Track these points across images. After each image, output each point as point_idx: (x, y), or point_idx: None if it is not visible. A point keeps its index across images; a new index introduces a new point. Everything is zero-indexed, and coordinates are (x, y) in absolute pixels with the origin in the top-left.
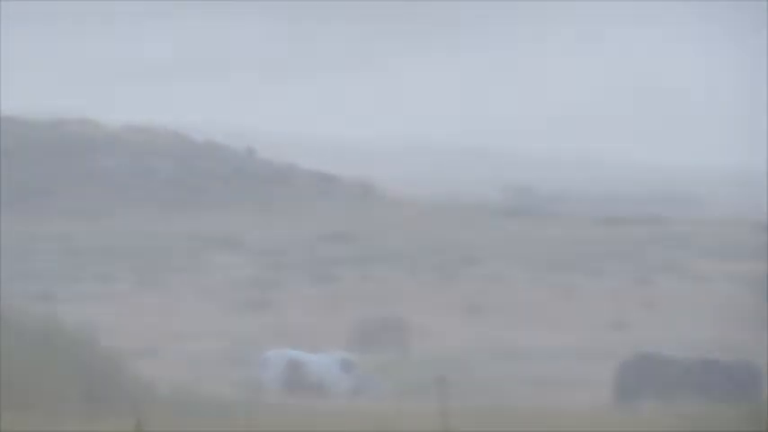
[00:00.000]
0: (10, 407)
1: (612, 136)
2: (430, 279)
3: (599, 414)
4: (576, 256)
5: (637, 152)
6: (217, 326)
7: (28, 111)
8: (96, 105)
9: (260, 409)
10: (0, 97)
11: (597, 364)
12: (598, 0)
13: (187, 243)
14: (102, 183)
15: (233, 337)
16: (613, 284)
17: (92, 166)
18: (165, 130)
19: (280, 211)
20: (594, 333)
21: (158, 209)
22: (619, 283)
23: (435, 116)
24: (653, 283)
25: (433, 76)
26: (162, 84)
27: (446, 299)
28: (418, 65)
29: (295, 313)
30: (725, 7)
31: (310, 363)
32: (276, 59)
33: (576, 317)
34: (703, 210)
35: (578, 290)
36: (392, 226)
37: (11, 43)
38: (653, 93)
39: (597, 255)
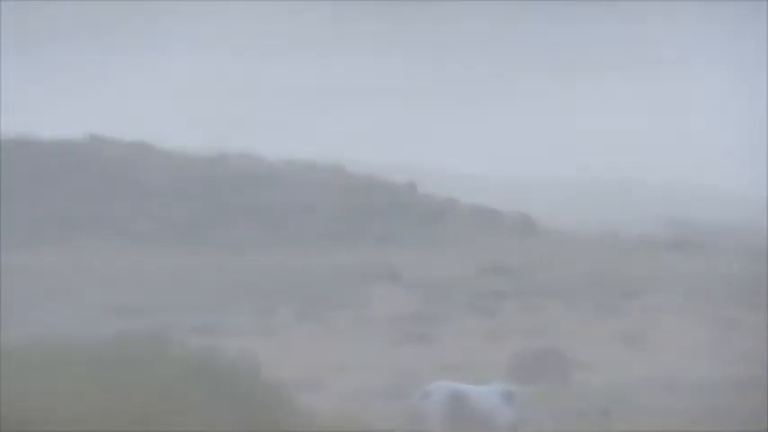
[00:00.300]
0: None
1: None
2: (589, 311)
3: None
4: (735, 289)
5: None
6: (377, 359)
7: (189, 146)
8: (258, 140)
9: None
10: (161, 133)
11: (757, 395)
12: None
13: (348, 277)
14: (263, 217)
15: (394, 370)
16: None
17: (253, 201)
18: (326, 164)
19: (440, 245)
20: (755, 366)
21: (319, 243)
22: None
23: (595, 148)
24: None
25: (590, 107)
26: (324, 117)
27: (605, 331)
28: (575, 97)
29: (455, 346)
30: None
31: (472, 394)
32: (437, 93)
33: (735, 349)
34: None
35: (738, 323)
36: (552, 259)
37: (172, 78)
38: None
39: (757, 287)
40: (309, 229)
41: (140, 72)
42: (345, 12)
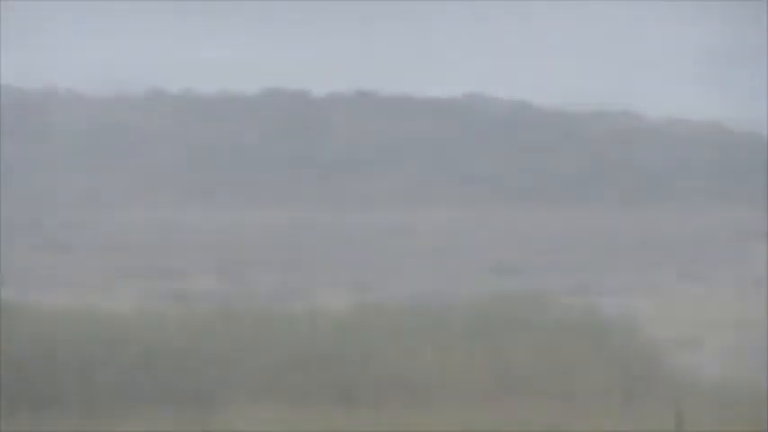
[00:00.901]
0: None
1: None
2: None
3: None
4: None
5: None
6: (758, 317)
7: (568, 103)
8: (640, 97)
9: None
10: (540, 91)
11: None
12: None
13: (726, 234)
14: (642, 174)
15: None
16: None
17: (631, 158)
18: (705, 121)
19: None
20: None
21: (697, 200)
22: None
23: None
24: None
25: None
26: (703, 75)
27: None
28: None
29: None
30: None
31: None
32: None
33: None
34: None
35: None
36: None
37: (551, 36)
38: None
39: None
40: (688, 186)
41: (521, 31)
42: None
